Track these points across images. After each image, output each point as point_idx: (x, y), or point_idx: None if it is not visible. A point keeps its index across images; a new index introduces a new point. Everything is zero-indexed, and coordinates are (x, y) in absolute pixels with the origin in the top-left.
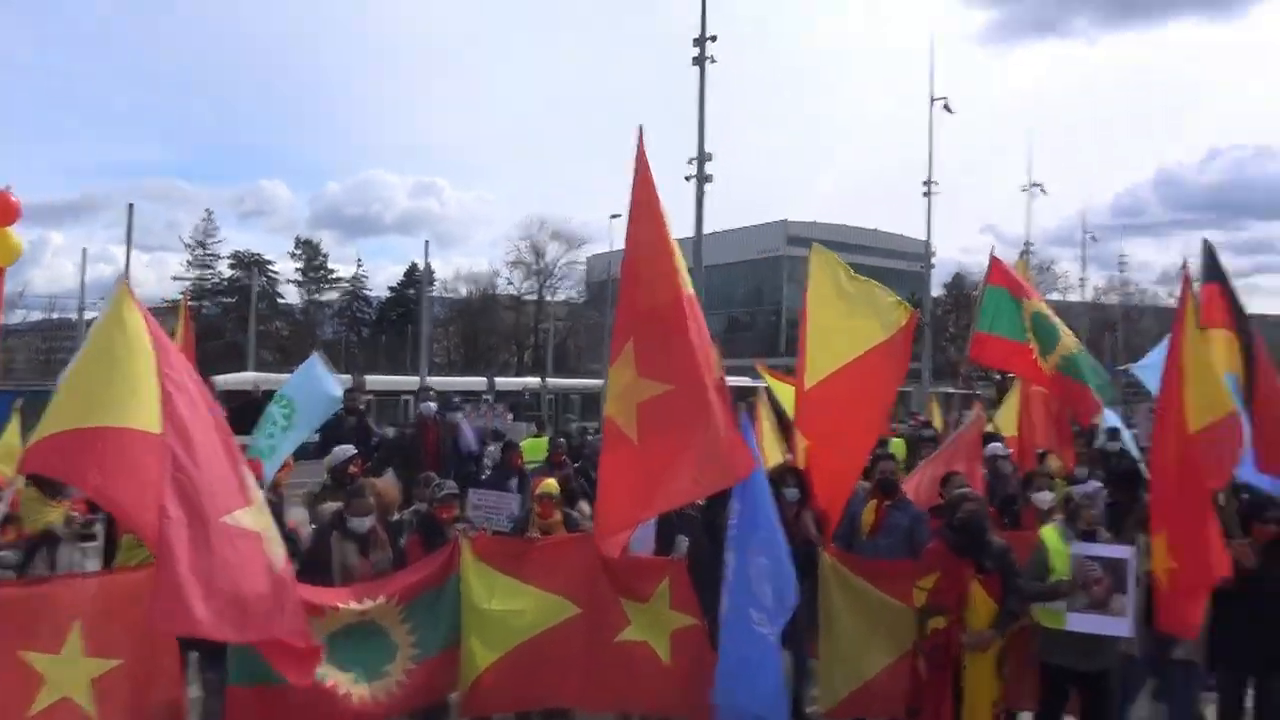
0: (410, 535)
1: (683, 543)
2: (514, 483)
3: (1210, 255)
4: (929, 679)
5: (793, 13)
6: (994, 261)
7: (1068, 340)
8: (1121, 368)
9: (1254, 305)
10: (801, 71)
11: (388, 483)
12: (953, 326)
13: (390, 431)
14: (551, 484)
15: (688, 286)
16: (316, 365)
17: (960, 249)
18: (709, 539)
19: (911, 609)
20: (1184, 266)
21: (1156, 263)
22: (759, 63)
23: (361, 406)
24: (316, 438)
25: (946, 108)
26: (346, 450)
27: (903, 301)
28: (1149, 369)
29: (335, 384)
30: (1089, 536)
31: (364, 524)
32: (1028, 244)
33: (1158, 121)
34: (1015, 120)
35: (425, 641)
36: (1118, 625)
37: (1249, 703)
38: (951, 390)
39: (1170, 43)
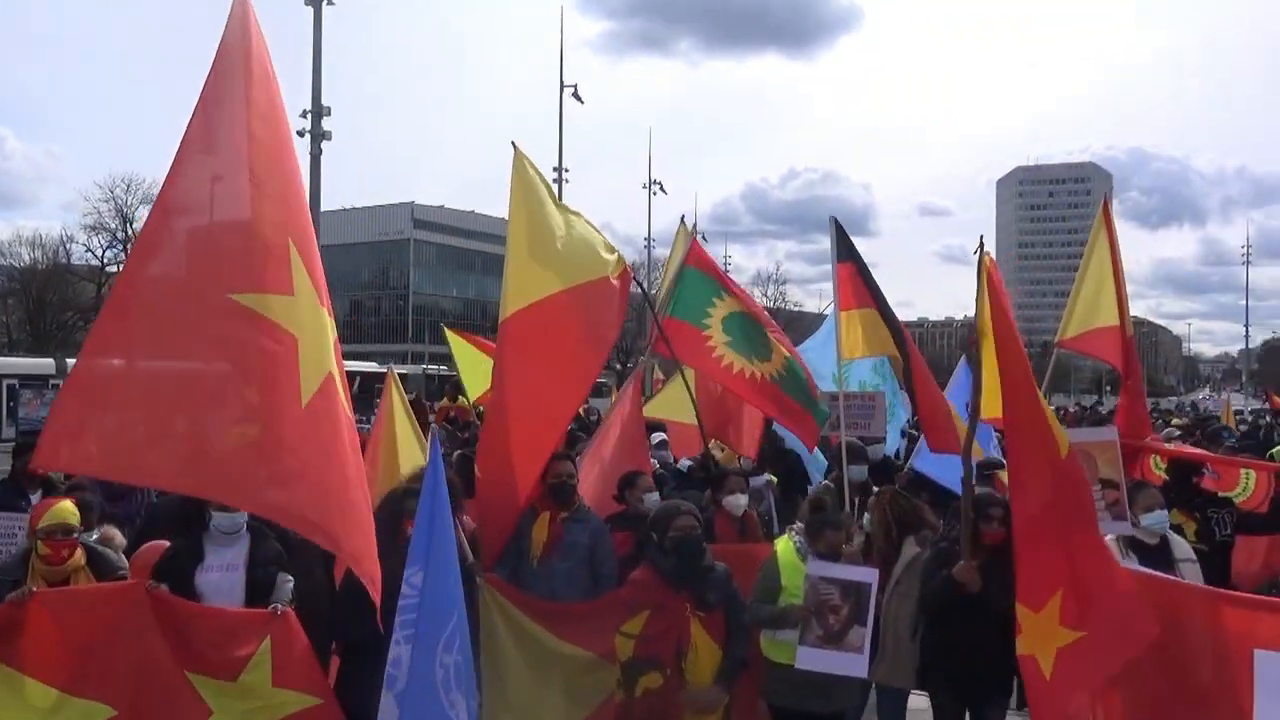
0: None
1: (286, 584)
2: (36, 498)
3: (841, 234)
4: None
5: None
6: (695, 243)
7: (779, 355)
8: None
9: (824, 307)
10: (427, 49)
11: None
12: None
13: None
14: (65, 508)
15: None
16: None
17: None
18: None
19: (602, 657)
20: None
21: (748, 266)
22: (382, 33)
23: None
24: None
25: (576, 95)
26: None
27: (615, 248)
28: (808, 352)
29: None
30: (829, 558)
31: None
32: (648, 239)
33: (747, 141)
34: (627, 127)
35: None
36: (853, 663)
37: None
38: None
39: (757, 73)
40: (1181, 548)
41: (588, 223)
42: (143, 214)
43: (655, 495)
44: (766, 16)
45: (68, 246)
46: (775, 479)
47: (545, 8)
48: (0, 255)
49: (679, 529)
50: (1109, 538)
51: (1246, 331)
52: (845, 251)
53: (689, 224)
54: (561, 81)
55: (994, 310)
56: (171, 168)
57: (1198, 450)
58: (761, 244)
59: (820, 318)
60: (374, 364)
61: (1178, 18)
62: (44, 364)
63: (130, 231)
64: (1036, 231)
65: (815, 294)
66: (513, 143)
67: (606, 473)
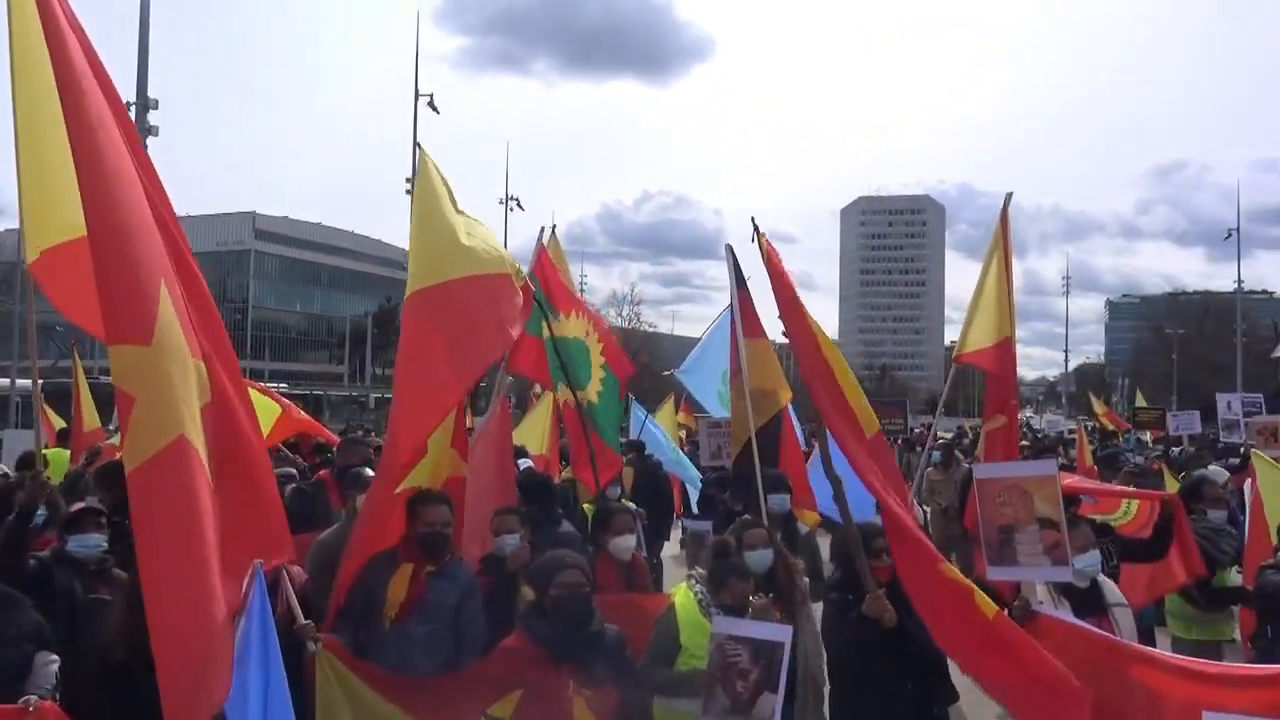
0: None
1: (47, 666)
2: None
3: (736, 262)
4: None
5: None
6: (542, 252)
7: (596, 376)
8: (667, 372)
9: (677, 329)
10: (274, 51)
11: None
12: None
13: None
14: None
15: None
16: None
17: None
18: None
19: None
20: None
21: (603, 287)
22: (223, 30)
23: None
24: None
25: (431, 105)
26: None
27: (516, 265)
28: (694, 373)
29: None
30: (735, 612)
31: None
32: None
33: (602, 163)
34: (483, 144)
35: None
36: None
37: None
38: None
39: (613, 97)
40: (1113, 592)
41: (490, 232)
42: None
43: (514, 538)
44: (622, 42)
45: None
46: (635, 506)
47: (399, 18)
48: None
49: (563, 586)
50: (1039, 585)
51: (1066, 356)
52: (743, 279)
53: (547, 234)
54: (416, 89)
55: (781, 300)
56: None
57: (1101, 485)
58: (616, 265)
59: (675, 339)
60: None
61: (1005, 71)
62: None
63: None
64: (876, 259)
65: (668, 315)
66: (418, 143)
67: (467, 505)
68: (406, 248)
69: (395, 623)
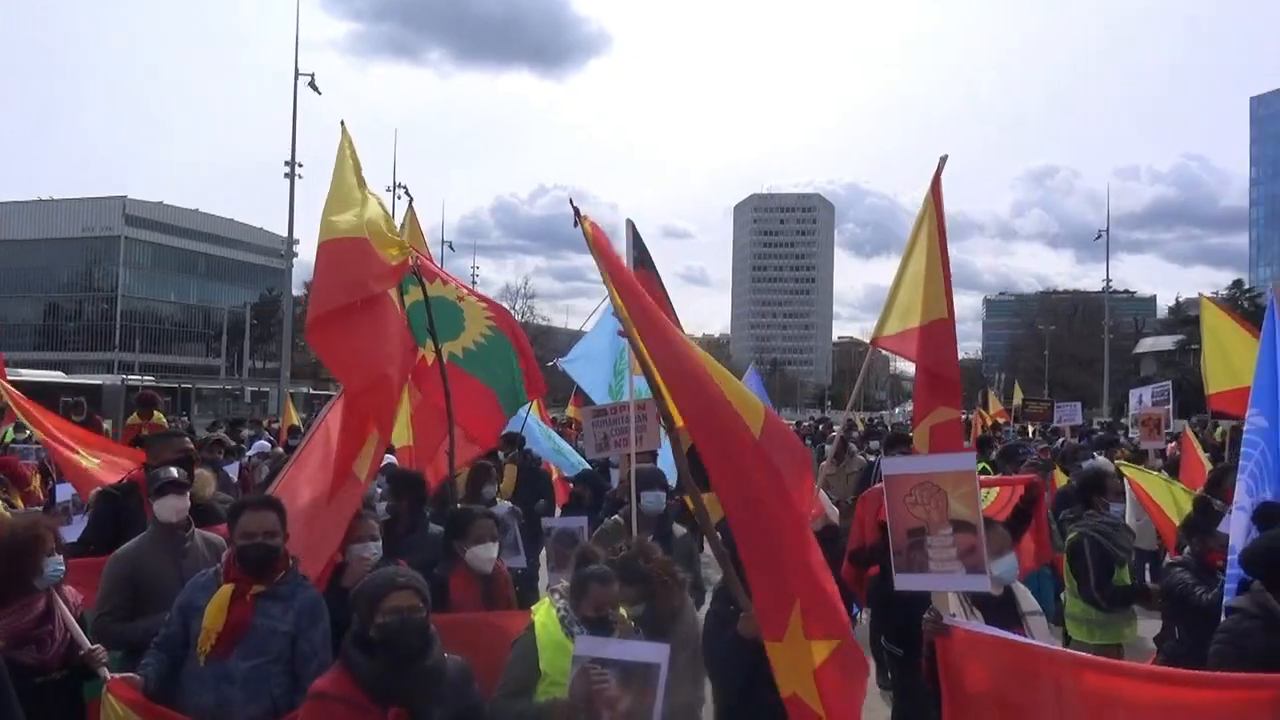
0: None
1: None
2: None
3: (638, 239)
4: None
5: None
6: (411, 214)
7: (474, 329)
8: (551, 363)
9: (571, 323)
10: (147, 33)
11: None
12: None
13: None
14: None
15: None
16: None
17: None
18: None
19: None
20: None
21: (497, 280)
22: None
23: None
24: None
25: (312, 85)
26: None
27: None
28: (579, 362)
29: None
30: (601, 626)
31: None
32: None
33: (497, 155)
34: (373, 132)
35: None
36: None
37: None
38: (311, 391)
39: (508, 90)
40: (1027, 599)
41: (374, 206)
42: None
43: (376, 545)
44: (518, 35)
45: None
46: (513, 505)
47: (282, 11)
48: None
49: (392, 612)
50: (951, 595)
51: None
52: (642, 259)
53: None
54: (296, 69)
55: (618, 286)
56: None
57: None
58: (511, 258)
59: (569, 333)
60: (59, 374)
61: (892, 68)
62: None
63: None
64: (769, 255)
65: (563, 310)
66: (341, 121)
67: (313, 505)
68: (287, 235)
69: (213, 656)
